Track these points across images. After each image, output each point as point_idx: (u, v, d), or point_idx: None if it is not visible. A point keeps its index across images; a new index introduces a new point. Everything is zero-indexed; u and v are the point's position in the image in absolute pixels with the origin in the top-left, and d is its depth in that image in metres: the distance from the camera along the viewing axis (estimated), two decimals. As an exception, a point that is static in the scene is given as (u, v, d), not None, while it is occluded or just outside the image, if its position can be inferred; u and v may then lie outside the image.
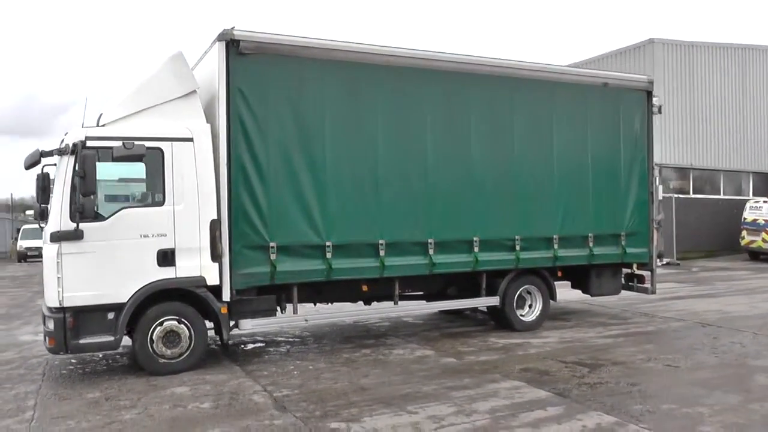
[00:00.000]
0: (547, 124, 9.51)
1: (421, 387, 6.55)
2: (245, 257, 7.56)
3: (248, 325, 7.81)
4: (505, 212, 9.12)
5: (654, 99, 10.39)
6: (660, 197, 11.00)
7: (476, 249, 8.86)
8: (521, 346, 8.48)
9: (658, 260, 10.93)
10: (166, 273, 7.29)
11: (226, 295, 7.49)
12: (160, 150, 7.35)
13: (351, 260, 8.10)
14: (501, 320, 9.62)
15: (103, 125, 7.46)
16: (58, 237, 6.90)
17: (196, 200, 7.43)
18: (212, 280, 7.46)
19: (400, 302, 8.78)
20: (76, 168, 6.84)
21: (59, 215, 6.93)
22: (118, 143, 7.06)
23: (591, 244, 9.78)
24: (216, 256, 7.46)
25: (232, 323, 7.80)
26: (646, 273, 10.52)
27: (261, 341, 9.24)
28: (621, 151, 10.11)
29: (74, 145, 6.93)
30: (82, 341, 7.00)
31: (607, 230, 9.96)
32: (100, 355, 8.38)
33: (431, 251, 8.54)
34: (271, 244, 7.65)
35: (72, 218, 6.88)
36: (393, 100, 8.38)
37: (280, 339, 9.37)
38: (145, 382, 7.03)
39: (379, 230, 8.24)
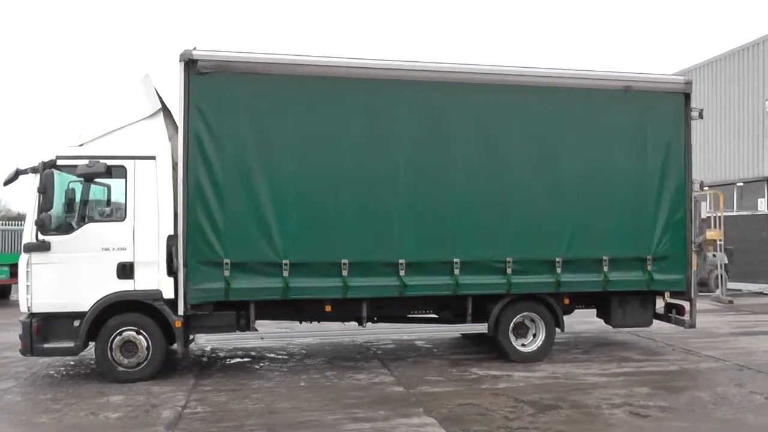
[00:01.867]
0: (550, 134, 8.66)
1: (326, 416, 6.25)
2: (200, 273, 7.70)
3: (202, 340, 7.96)
4: (494, 231, 8.42)
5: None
6: (702, 215, 9.54)
7: (457, 271, 8.26)
8: (497, 379, 7.77)
9: (699, 289, 9.44)
10: (125, 285, 7.65)
11: (181, 309, 7.68)
12: (124, 167, 7.76)
13: (310, 279, 7.93)
14: (498, 350, 8.89)
15: (80, 145, 8.04)
16: (28, 248, 7.53)
17: (156, 216, 7.74)
18: (168, 293, 7.70)
19: (370, 324, 8.46)
20: (38, 185, 7.44)
21: (30, 228, 7.56)
22: (84, 162, 7.58)
23: (606, 269, 8.71)
24: (171, 270, 7.70)
25: (191, 337, 7.99)
26: (684, 303, 9.17)
27: (250, 356, 9.34)
28: (647, 163, 8.92)
29: (43, 163, 7.53)
30: (46, 345, 7.56)
31: (628, 253, 8.82)
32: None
33: (402, 272, 8.11)
34: (225, 261, 7.73)
35: (39, 231, 7.48)
36: (360, 112, 8.12)
37: (271, 355, 9.42)
38: (97, 389, 7.41)
39: (343, 249, 7.99)
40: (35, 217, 7.45)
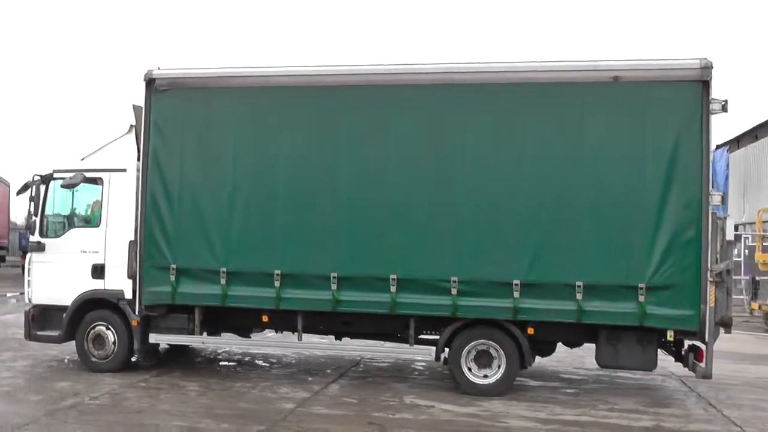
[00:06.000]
0: (512, 135, 7.84)
1: (173, 421, 6.76)
2: (152, 276, 8.55)
3: (152, 339, 8.76)
4: (437, 246, 7.87)
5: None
6: (728, 236, 7.62)
7: (393, 289, 7.88)
8: (408, 409, 7.34)
9: (722, 329, 7.51)
10: (97, 284, 8.86)
11: (137, 309, 8.60)
12: (101, 179, 8.97)
13: (247, 288, 8.27)
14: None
15: (82, 159, 9.48)
16: (29, 248, 9.14)
17: (123, 222, 8.80)
18: (129, 294, 8.70)
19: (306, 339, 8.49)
20: (30, 194, 8.98)
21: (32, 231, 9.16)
22: (69, 174, 8.96)
23: (580, 297, 7.52)
24: (130, 273, 8.67)
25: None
26: (702, 345, 7.48)
27: (243, 362, 9.94)
28: (645, 169, 7.50)
29: (40, 177, 9.07)
30: (38, 332, 9.10)
31: (612, 279, 7.52)
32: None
33: (334, 286, 8.00)
34: (172, 266, 8.45)
35: (38, 234, 9.03)
36: (297, 121, 8.25)
37: (259, 362, 9.94)
38: (66, 375, 8.66)
39: (276, 260, 8.18)
40: (27, 222, 9.03)
